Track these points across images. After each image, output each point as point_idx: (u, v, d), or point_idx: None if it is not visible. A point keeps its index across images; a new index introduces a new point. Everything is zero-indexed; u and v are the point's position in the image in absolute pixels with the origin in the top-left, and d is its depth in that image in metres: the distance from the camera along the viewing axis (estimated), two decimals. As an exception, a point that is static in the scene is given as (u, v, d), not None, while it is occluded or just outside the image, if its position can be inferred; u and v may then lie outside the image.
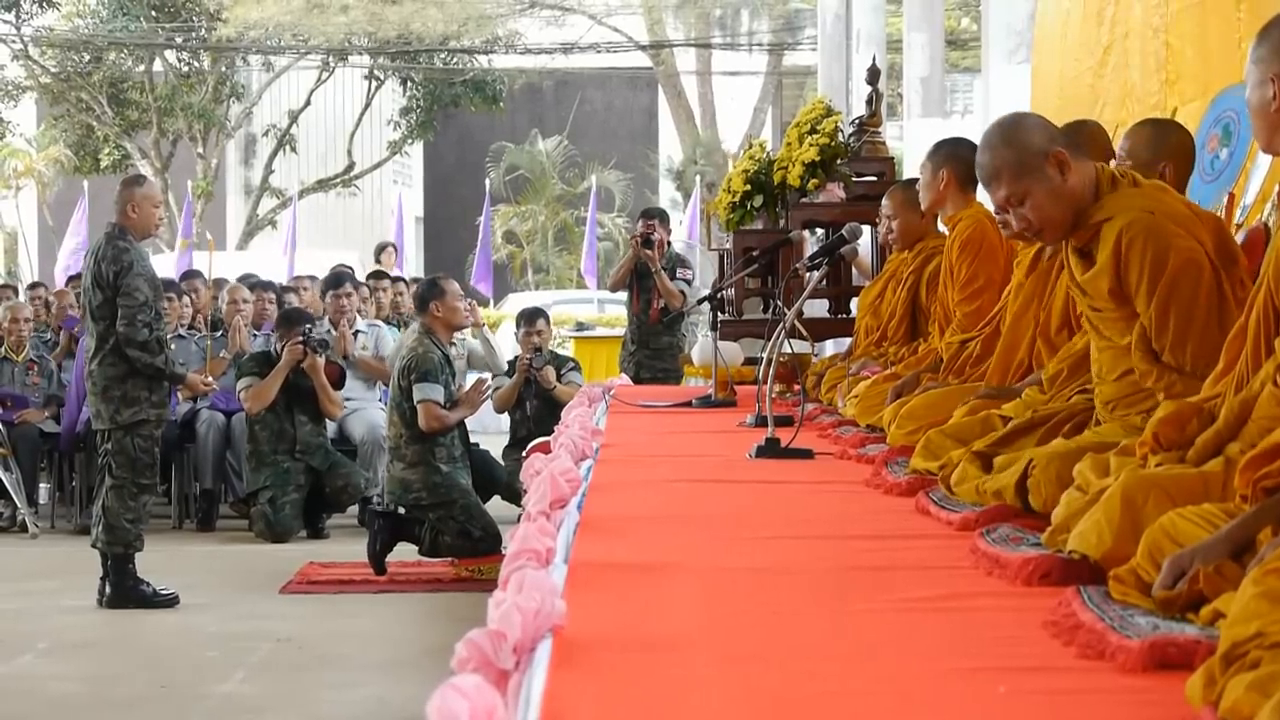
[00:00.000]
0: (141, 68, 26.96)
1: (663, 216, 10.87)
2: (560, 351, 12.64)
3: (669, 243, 10.75)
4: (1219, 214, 4.36)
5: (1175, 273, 3.40)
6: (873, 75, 7.84)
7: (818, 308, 7.91)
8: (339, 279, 11.07)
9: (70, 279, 13.61)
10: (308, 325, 9.91)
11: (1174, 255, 3.39)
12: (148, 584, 7.64)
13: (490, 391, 9.20)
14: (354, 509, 10.48)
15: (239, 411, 10.40)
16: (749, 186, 7.47)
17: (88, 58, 26.77)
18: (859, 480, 4.33)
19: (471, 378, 10.40)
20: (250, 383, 9.82)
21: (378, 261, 18.02)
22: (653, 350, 10.48)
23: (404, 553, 8.22)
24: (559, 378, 9.99)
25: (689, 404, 6.84)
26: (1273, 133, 2.97)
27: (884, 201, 6.30)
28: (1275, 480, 2.55)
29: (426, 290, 8.48)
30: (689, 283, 10.55)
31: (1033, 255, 4.66)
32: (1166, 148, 4.02)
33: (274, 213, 28.54)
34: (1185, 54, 6.48)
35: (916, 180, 6.06)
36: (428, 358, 8.14)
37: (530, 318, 10.43)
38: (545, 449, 4.88)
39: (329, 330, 10.58)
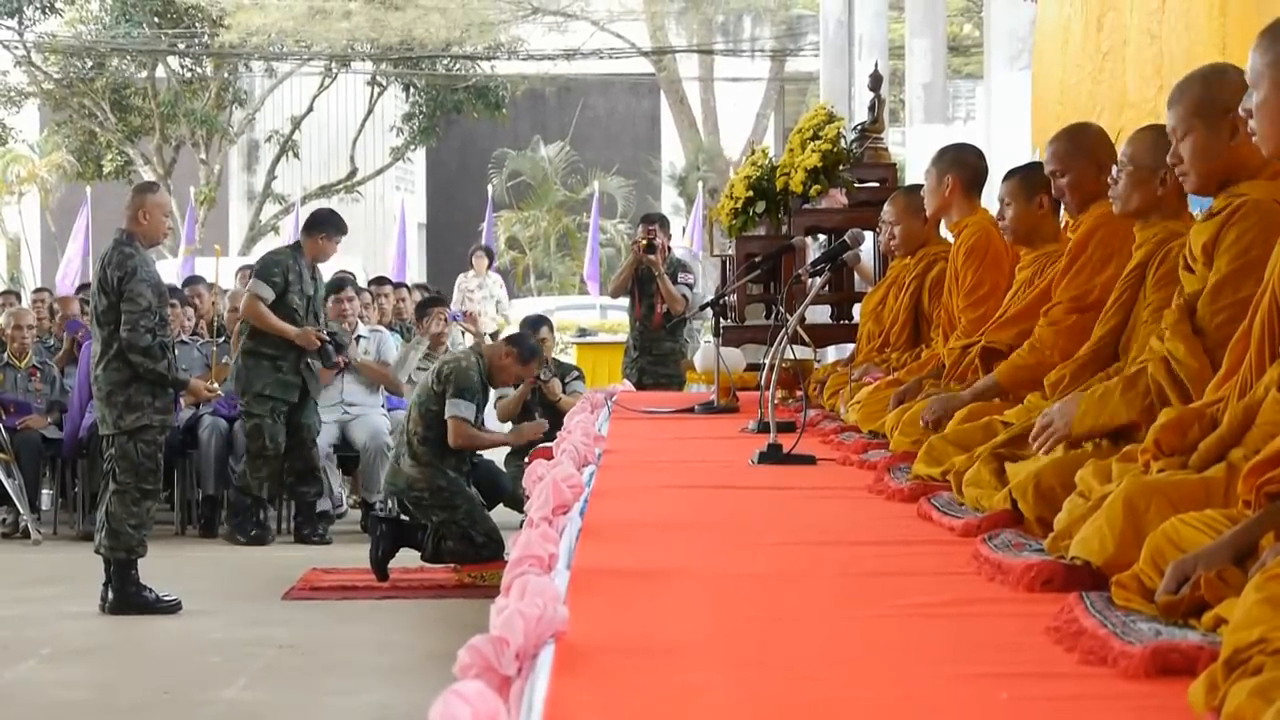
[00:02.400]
0: (144, 74, 26.98)
1: (663, 222, 10.92)
2: (562, 358, 12.66)
3: (670, 248, 10.78)
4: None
5: (1260, 257, 3.39)
6: (875, 81, 7.84)
7: (820, 314, 7.90)
8: (340, 283, 11.07)
9: (80, 288, 13.62)
10: (330, 333, 9.93)
11: (1273, 244, 3.39)
12: (150, 590, 7.64)
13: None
14: (357, 515, 10.51)
15: (241, 417, 10.41)
16: (751, 193, 7.47)
17: (90, 64, 26.80)
18: (861, 486, 4.33)
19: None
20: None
21: (471, 265, 17.82)
22: (655, 356, 10.51)
23: (406, 559, 8.22)
24: (563, 388, 10.00)
25: (691, 410, 6.84)
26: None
27: (886, 208, 6.29)
28: (1279, 486, 2.55)
29: (524, 342, 8.45)
30: (691, 287, 10.59)
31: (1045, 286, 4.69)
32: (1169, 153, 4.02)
33: (276, 219, 28.55)
34: (1177, 60, 6.48)
35: (918, 186, 6.06)
36: (469, 375, 8.10)
37: (534, 325, 10.47)
38: (548, 455, 4.88)
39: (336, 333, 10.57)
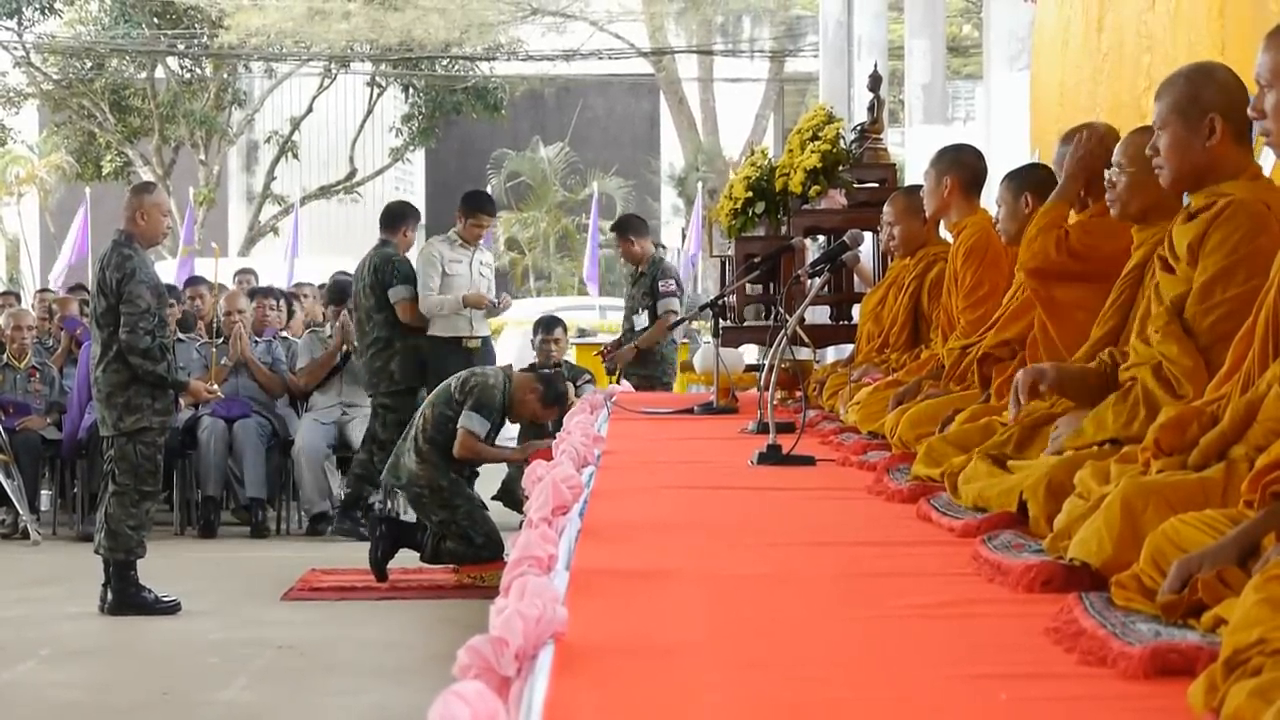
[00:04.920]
0: (143, 74, 26.98)
1: (623, 227, 10.90)
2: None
3: (658, 246, 10.83)
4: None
5: (1246, 256, 3.39)
6: (874, 82, 7.84)
7: (819, 314, 7.90)
8: (340, 292, 11.03)
9: (74, 288, 13.60)
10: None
11: (1258, 244, 3.38)
12: (149, 591, 7.64)
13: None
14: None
15: (240, 418, 10.41)
16: (751, 193, 7.47)
17: (90, 65, 26.80)
18: (860, 487, 4.33)
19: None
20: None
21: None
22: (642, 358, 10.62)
23: (406, 560, 8.22)
24: (575, 391, 9.99)
25: (690, 411, 6.84)
26: None
27: (885, 208, 6.29)
28: (1282, 486, 2.55)
29: (553, 385, 8.34)
30: (674, 294, 10.56)
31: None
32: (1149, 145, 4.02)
33: (276, 219, 28.57)
34: (1177, 61, 6.47)
35: (918, 187, 6.06)
36: (492, 394, 8.04)
37: (548, 325, 10.54)
38: (547, 456, 4.88)
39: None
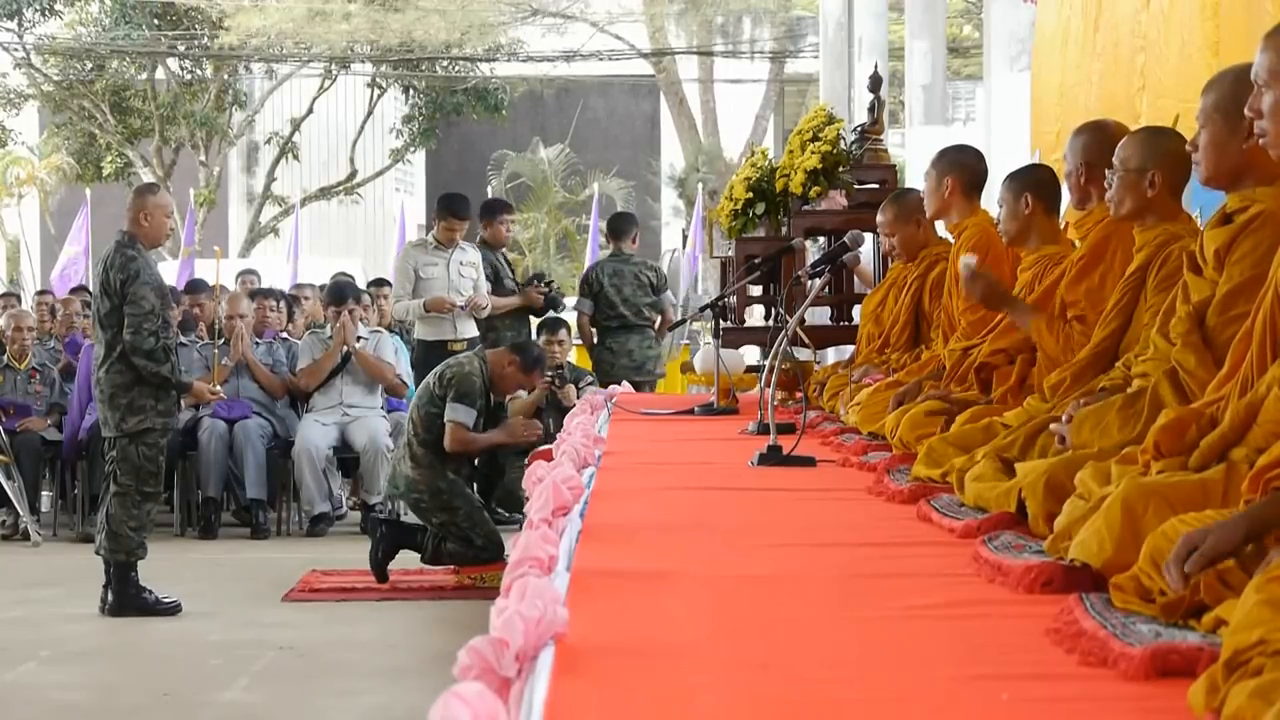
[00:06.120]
0: (144, 76, 26.96)
1: (608, 223, 11.24)
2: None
3: (635, 244, 11.09)
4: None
5: (1268, 272, 3.38)
6: (874, 83, 7.84)
7: (820, 315, 7.91)
8: (341, 293, 11.02)
9: (75, 289, 13.60)
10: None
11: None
12: (150, 592, 7.64)
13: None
14: (356, 516, 10.51)
15: (241, 419, 10.40)
16: (751, 194, 7.47)
17: (90, 66, 26.78)
18: (861, 488, 4.33)
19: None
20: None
21: None
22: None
23: (406, 561, 8.22)
24: (577, 393, 10.00)
25: (691, 411, 6.84)
26: None
27: (879, 218, 6.28)
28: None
29: (527, 351, 8.34)
30: (580, 297, 11.07)
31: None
32: (1157, 155, 4.01)
33: (276, 220, 28.56)
34: (1169, 61, 6.47)
35: (906, 191, 6.08)
36: (471, 380, 8.04)
37: (552, 327, 10.57)
38: (548, 456, 4.88)
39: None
